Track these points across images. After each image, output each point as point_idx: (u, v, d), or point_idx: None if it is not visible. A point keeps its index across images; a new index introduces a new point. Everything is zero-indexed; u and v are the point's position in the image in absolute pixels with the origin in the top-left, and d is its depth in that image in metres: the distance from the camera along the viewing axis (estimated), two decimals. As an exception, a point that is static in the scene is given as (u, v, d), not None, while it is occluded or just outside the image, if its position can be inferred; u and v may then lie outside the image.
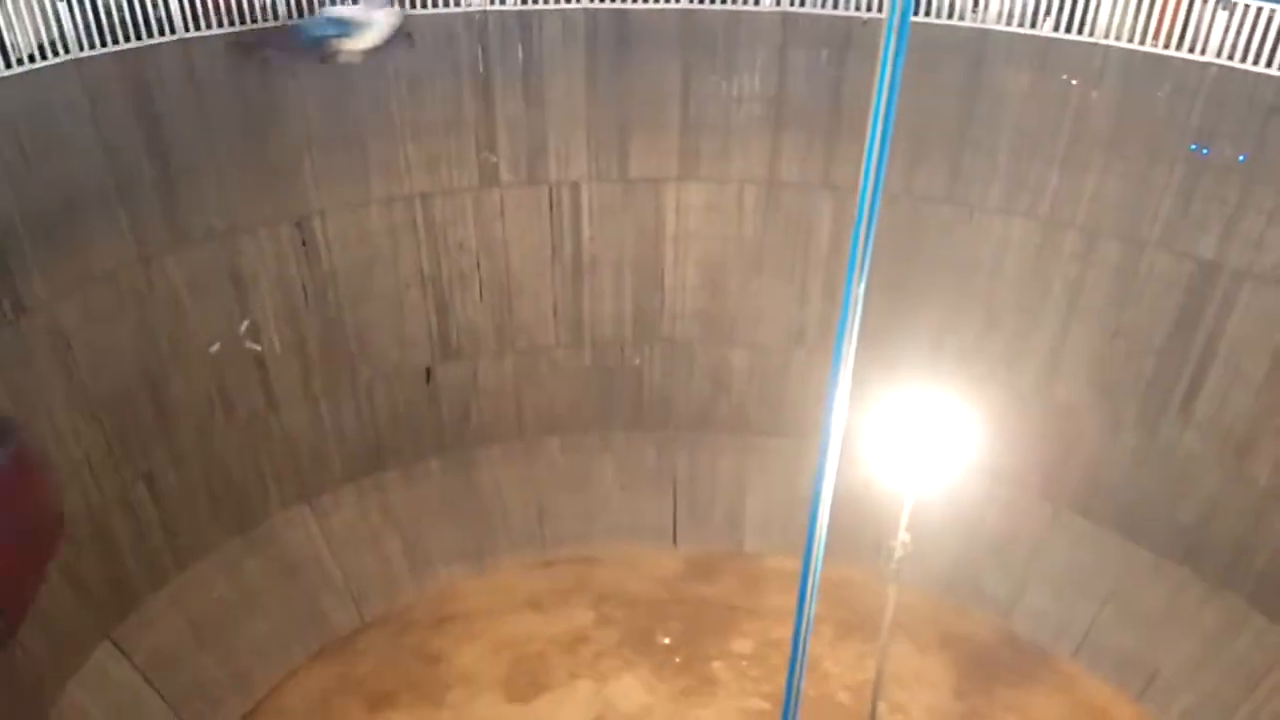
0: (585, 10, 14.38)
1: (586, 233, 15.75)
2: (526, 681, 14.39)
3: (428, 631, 15.10)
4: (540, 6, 14.27)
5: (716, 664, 14.74)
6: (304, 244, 14.10)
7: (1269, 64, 12.19)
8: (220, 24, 12.54)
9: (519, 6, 14.23)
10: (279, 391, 14.49)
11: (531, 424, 16.57)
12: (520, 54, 14.46)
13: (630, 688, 14.34)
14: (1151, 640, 14.19)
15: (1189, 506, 13.98)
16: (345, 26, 12.73)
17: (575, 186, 15.46)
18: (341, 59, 12.82)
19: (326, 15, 12.86)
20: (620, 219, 15.74)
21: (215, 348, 13.46)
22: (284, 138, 13.49)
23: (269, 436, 14.54)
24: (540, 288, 15.93)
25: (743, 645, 14.97)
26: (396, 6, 13.34)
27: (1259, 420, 13.08)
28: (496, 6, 14.13)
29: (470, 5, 14.05)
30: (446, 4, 13.93)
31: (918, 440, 9.95)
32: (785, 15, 14.50)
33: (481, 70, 14.39)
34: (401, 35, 13.25)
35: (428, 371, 15.74)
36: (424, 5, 13.79)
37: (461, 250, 15.33)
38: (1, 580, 9.13)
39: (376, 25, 12.88)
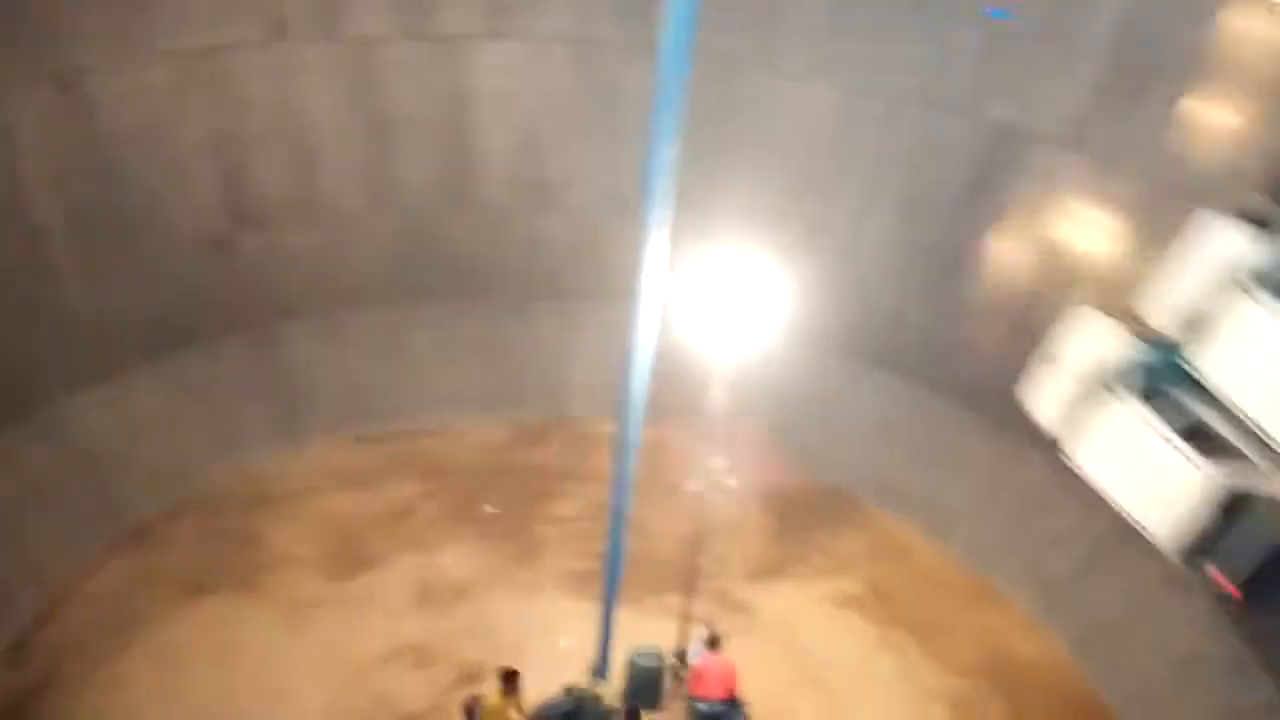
0: None
1: (391, 92, 14.92)
2: (347, 559, 14.18)
3: (240, 515, 14.58)
4: None
5: (543, 528, 14.94)
6: (74, 103, 12.77)
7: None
8: None
9: None
10: (58, 267, 13.24)
11: (341, 296, 15.85)
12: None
13: (456, 557, 14.36)
14: (944, 480, 15.32)
15: (974, 359, 14.88)
16: None
17: (377, 42, 14.54)
18: None
19: None
20: (426, 78, 14.96)
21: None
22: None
23: (48, 315, 13.29)
24: (342, 152, 15.06)
25: (569, 509, 15.20)
26: None
27: (1040, 278, 13.86)
28: None
29: None
30: None
31: (733, 304, 10.07)
32: None
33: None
34: None
35: (223, 243, 14.73)
36: None
37: (254, 111, 14.24)
38: None
39: None
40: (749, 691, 11.56)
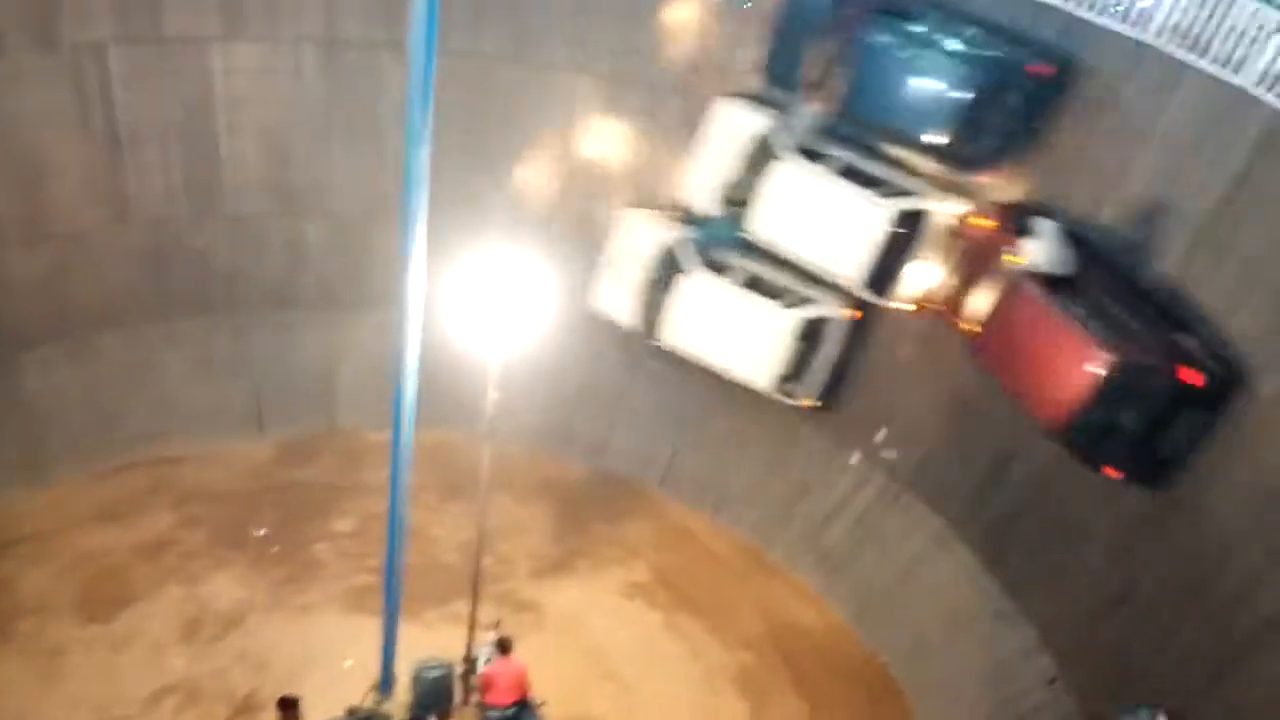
0: None
1: (120, 101, 13.94)
2: (106, 598, 13.25)
3: (-21, 562, 13.32)
4: None
5: (318, 546, 14.43)
6: None
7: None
8: None
9: None
10: None
11: (82, 319, 14.68)
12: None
13: (224, 586, 13.66)
14: (723, 462, 15.80)
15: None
16: None
17: (100, 48, 13.56)
18: None
19: None
20: (160, 84, 14.07)
21: None
22: None
23: None
24: (71, 166, 13.94)
25: (344, 524, 14.73)
26: None
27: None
28: None
29: None
30: None
31: (502, 301, 10.03)
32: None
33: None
34: None
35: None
36: None
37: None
38: None
39: None
40: (542, 691, 11.52)
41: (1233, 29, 10.72)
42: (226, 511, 14.63)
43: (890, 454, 13.65)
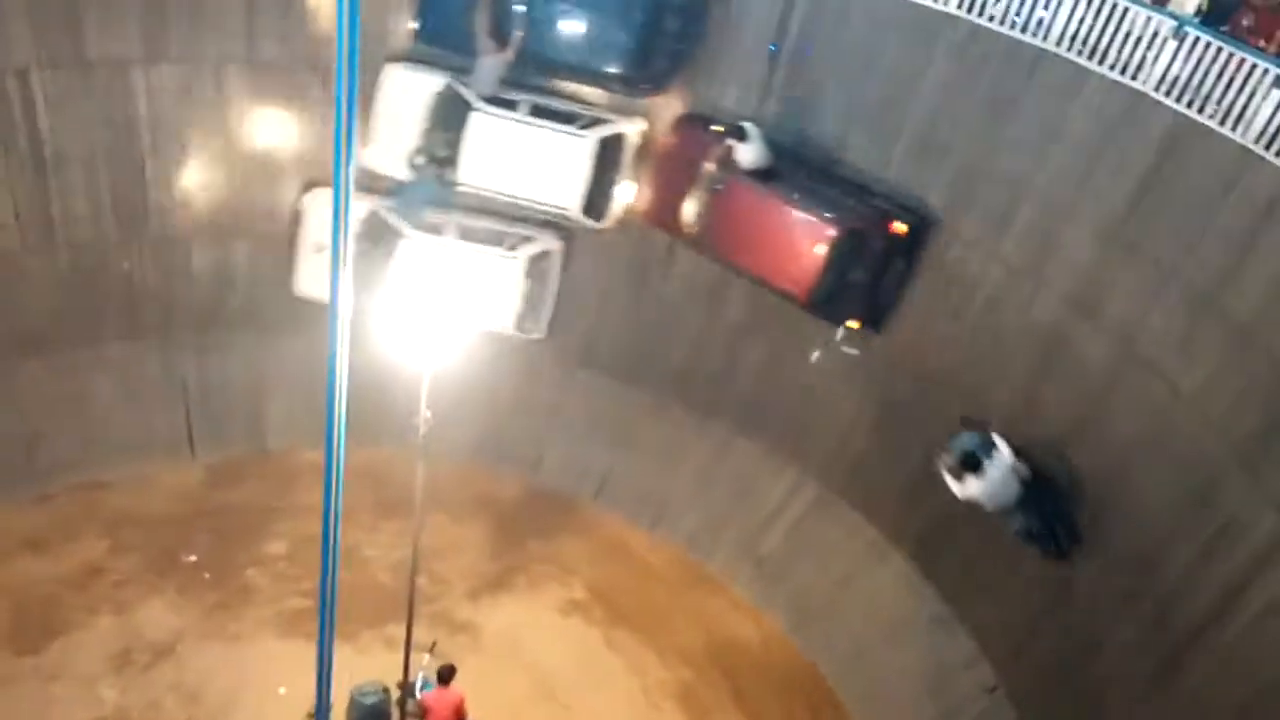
0: None
1: (44, 124, 13.72)
2: (32, 630, 13.01)
3: (-97, 597, 13.03)
4: None
5: (251, 571, 14.26)
6: None
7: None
8: None
9: None
10: None
11: (4, 343, 14.41)
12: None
13: (157, 613, 13.48)
14: (657, 475, 15.85)
15: (678, 351, 15.58)
16: None
17: (21, 73, 13.35)
18: None
19: None
20: (83, 107, 13.89)
21: None
22: None
23: None
24: (-10, 190, 13.70)
25: (277, 547, 14.58)
26: None
27: (724, 270, 14.60)
28: None
29: None
30: None
31: (430, 315, 10.05)
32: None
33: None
34: None
35: None
36: None
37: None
38: None
39: None
40: (480, 714, 11.47)
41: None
42: (157, 538, 14.41)
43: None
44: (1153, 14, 11.09)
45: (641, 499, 15.93)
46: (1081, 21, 11.43)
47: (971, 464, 11.23)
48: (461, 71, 13.91)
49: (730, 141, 13.09)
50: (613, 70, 13.93)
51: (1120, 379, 11.52)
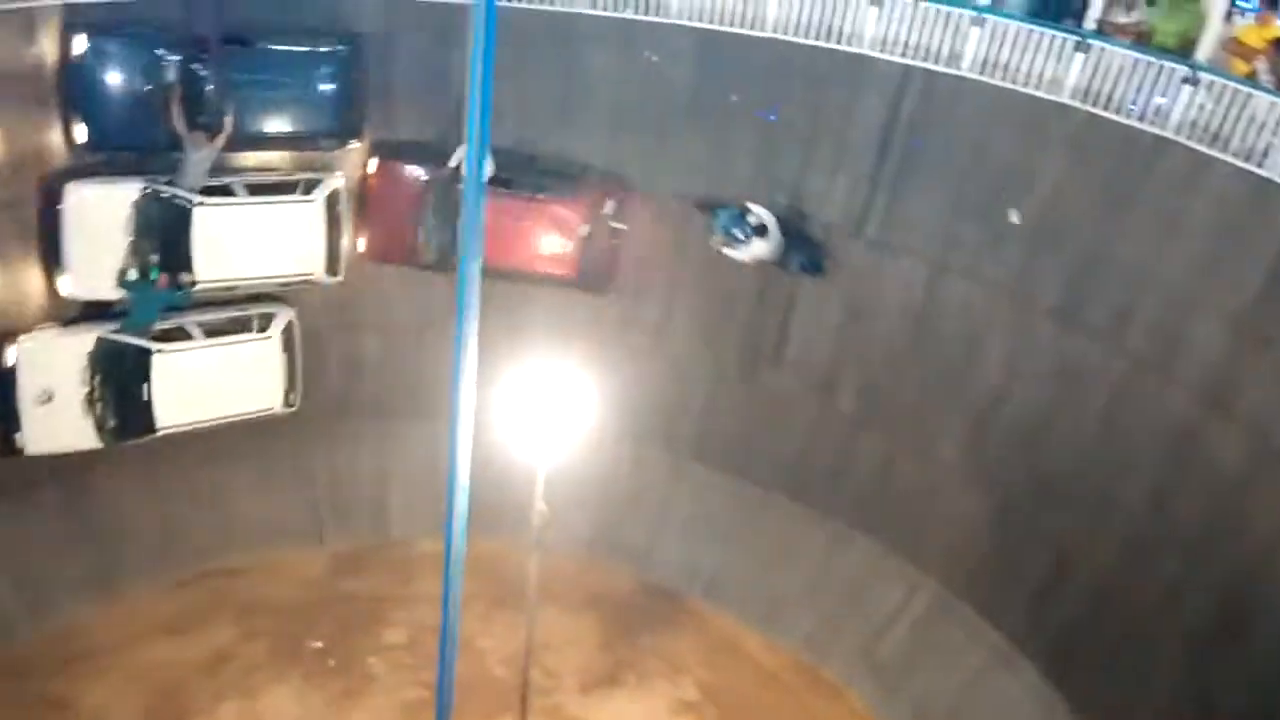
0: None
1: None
2: (169, 714, 13.50)
3: (50, 675, 13.71)
4: None
5: (372, 660, 14.53)
6: None
7: (819, 37, 13.37)
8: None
9: None
10: None
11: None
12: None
13: (281, 700, 13.84)
14: (770, 573, 15.54)
15: (789, 443, 15.39)
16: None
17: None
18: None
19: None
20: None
21: None
22: None
23: None
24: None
25: (397, 636, 14.83)
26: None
27: (838, 361, 14.59)
28: None
29: None
30: None
31: (547, 408, 10.28)
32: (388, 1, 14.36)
33: None
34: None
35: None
36: None
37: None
38: None
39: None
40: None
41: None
42: (285, 624, 14.87)
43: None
44: (1277, 100, 10.86)
45: (753, 597, 15.64)
46: (1202, 108, 11.25)
47: (760, 230, 13.70)
48: (156, 172, 13.31)
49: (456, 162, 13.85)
50: (318, 129, 14.22)
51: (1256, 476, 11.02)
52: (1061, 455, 12.90)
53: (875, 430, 14.66)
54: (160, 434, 14.03)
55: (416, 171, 14.54)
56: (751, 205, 13.87)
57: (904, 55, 12.90)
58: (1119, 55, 11.73)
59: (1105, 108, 11.82)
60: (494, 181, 13.36)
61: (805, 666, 15.14)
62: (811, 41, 13.30)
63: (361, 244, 15.05)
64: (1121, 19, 12.62)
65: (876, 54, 13.04)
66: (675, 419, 15.80)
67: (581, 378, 10.45)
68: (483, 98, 5.60)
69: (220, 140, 13.21)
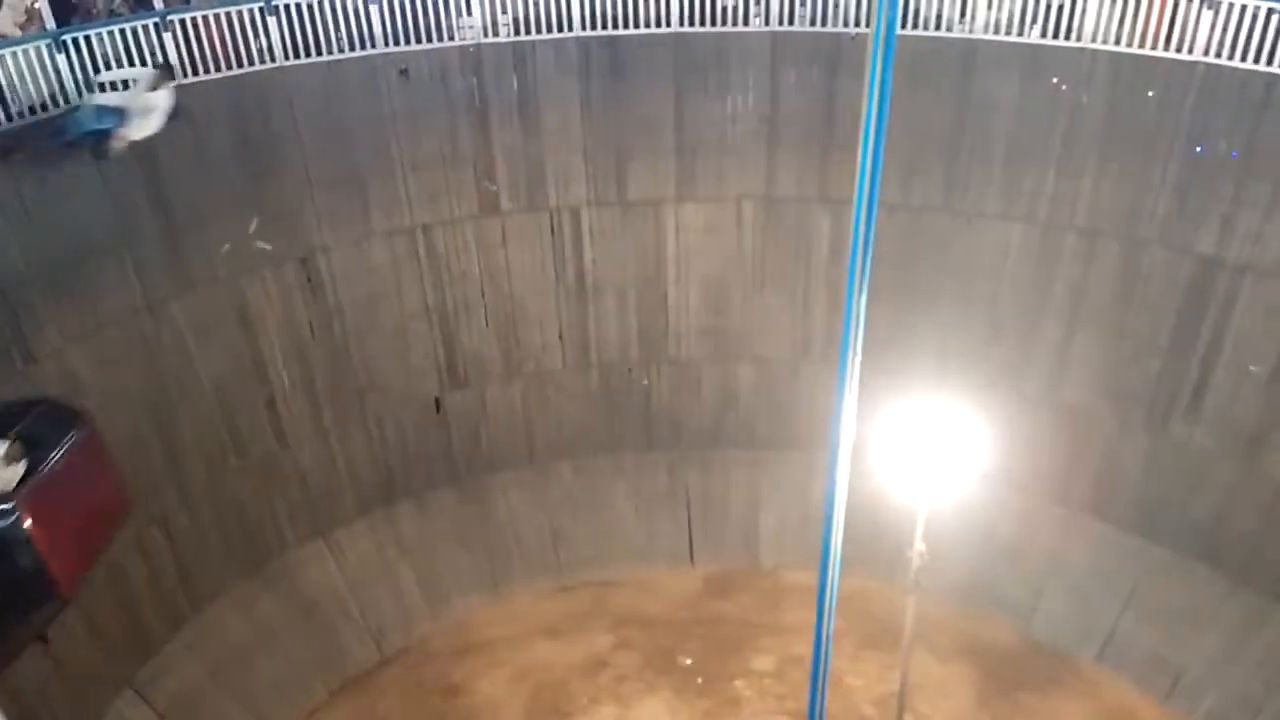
0: (578, 39, 14.46)
1: (588, 256, 15.81)
2: (548, 710, 14.35)
3: (446, 664, 15.05)
4: (534, 37, 14.34)
5: (739, 683, 14.68)
6: (309, 280, 14.20)
7: (1256, 60, 12.21)
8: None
9: (512, 38, 14.32)
10: (288, 428, 14.53)
11: (542, 449, 16.58)
12: (515, 84, 14.56)
13: (654, 711, 14.29)
14: (1174, 640, 14.11)
15: (1203, 503, 13.95)
16: (120, 116, 11.49)
17: (575, 211, 15.53)
18: (114, 150, 11.62)
19: (96, 105, 11.69)
20: (621, 241, 15.78)
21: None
22: (284, 180, 13.61)
23: (280, 474, 14.59)
24: (545, 312, 15.96)
25: (764, 663, 14.91)
26: (168, 84, 11.92)
27: (1269, 414, 13.05)
28: (490, 39, 14.23)
29: (464, 39, 14.15)
30: (442, 39, 14.01)
31: (928, 449, 9.94)
32: (774, 35, 14.59)
33: (478, 102, 14.50)
34: (181, 113, 11.97)
35: (436, 401, 15.78)
36: (419, 41, 13.87)
37: (465, 279, 15.39)
38: (63, 551, 9.62)
39: (156, 110, 11.63)
40: None
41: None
42: (657, 638, 15.39)
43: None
44: None
45: (1154, 664, 14.24)
46: None
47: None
48: None
49: None
50: None
51: None
52: None
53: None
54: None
55: None
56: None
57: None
58: None
59: None
60: None
61: (1212, 746, 13.54)
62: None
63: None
64: None
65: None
66: (1068, 469, 14.81)
67: (967, 418, 10.00)
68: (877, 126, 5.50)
69: None
